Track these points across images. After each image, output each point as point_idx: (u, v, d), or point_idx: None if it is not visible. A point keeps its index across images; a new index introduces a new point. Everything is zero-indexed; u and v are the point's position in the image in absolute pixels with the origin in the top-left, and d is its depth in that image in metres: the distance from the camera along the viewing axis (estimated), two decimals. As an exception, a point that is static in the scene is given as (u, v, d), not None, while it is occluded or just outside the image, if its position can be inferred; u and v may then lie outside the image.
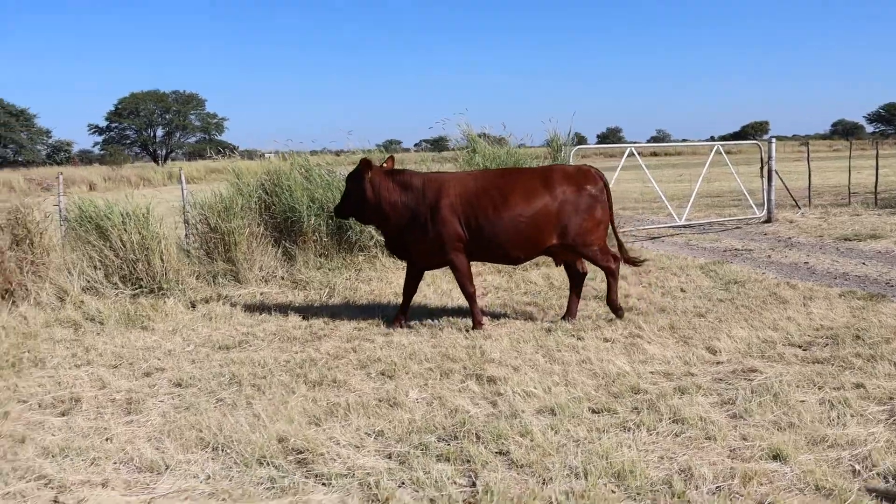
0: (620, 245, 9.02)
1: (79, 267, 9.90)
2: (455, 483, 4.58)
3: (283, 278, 10.73)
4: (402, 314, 8.73)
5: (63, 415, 6.04)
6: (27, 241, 9.64)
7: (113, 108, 79.53)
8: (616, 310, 8.64)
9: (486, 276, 11.28)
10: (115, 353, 7.74)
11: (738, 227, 17.04)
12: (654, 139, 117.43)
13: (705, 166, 18.60)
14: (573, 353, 7.23)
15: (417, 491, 4.47)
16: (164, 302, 9.54)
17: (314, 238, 11.01)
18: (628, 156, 16.41)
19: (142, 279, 10.04)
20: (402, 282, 10.82)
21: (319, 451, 5.05)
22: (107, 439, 5.44)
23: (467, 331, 8.27)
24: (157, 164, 73.28)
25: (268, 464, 4.89)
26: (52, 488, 4.67)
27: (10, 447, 5.35)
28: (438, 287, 10.59)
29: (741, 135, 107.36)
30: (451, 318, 8.82)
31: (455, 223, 8.31)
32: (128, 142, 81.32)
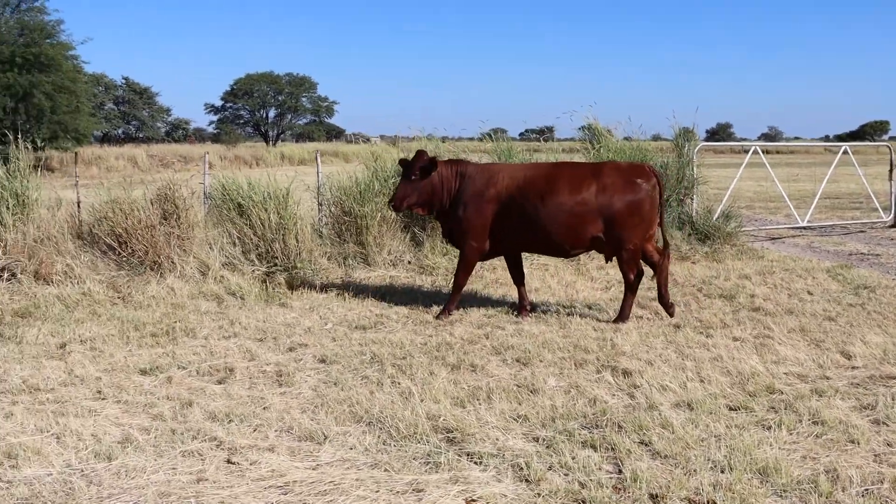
0: (666, 245, 9.05)
1: (219, 243, 10.39)
2: (602, 469, 4.75)
3: (410, 263, 11.04)
4: (522, 301, 8.97)
5: (220, 383, 6.42)
6: (175, 217, 10.17)
7: (228, 89, 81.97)
8: (623, 318, 8.58)
9: (609, 269, 11.35)
10: (258, 328, 8.14)
11: (861, 231, 16.63)
12: (764, 136, 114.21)
13: (831, 167, 18.16)
14: (704, 351, 7.28)
15: (567, 474, 4.65)
16: (299, 280, 9.94)
17: (442, 224, 11.26)
18: (751, 153, 16.20)
19: (277, 258, 10.47)
20: (524, 270, 11.04)
21: (468, 430, 5.27)
22: (264, 408, 5.78)
23: (597, 321, 8.42)
24: (268, 144, 75.06)
25: (420, 440, 5.14)
26: (224, 450, 5.01)
27: (179, 409, 5.75)
28: (562, 278, 10.72)
29: (859, 134, 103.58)
30: (578, 310, 8.97)
31: (488, 214, 8.63)
32: (241, 122, 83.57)
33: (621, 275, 8.80)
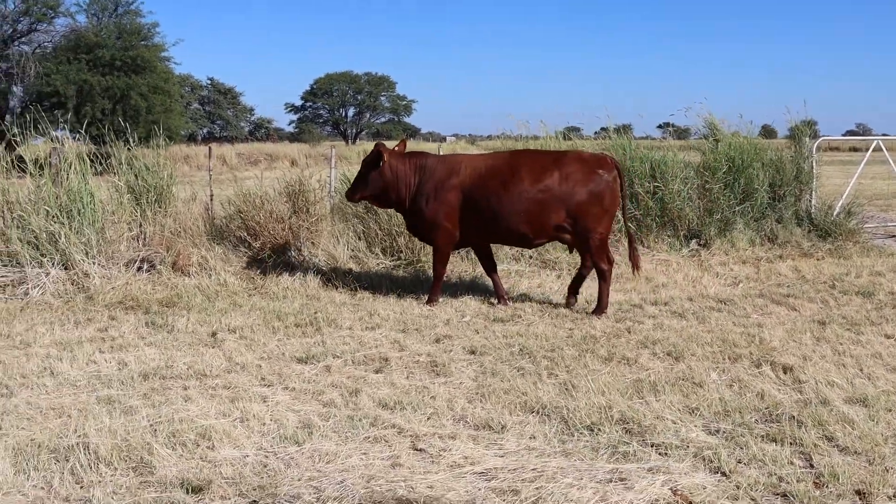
0: (631, 239, 9.21)
1: (346, 237, 10.51)
2: (793, 463, 4.66)
3: (531, 258, 11.01)
4: (498, 290, 9.14)
5: (378, 372, 6.49)
6: (304, 210, 10.32)
7: (308, 89, 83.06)
8: (599, 310, 8.55)
9: (732, 266, 11.17)
10: (397, 319, 8.20)
11: None
12: (850, 133, 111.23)
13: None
14: (859, 347, 7.11)
15: (760, 468, 4.57)
16: (424, 273, 10.00)
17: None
18: (871, 150, 15.79)
19: (401, 251, 10.55)
20: (646, 266, 10.93)
21: (644, 422, 5.23)
22: (432, 397, 5.82)
23: (735, 315, 8.29)
24: (347, 142, 75.82)
25: (599, 431, 5.11)
26: (407, 436, 5.06)
27: (347, 397, 5.82)
28: (687, 274, 10.58)
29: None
30: (711, 304, 8.84)
31: (454, 203, 8.73)
32: (321, 120, 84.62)
33: (593, 266, 8.81)
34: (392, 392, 5.91)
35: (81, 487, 4.35)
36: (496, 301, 9.00)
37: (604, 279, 8.68)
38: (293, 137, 77.94)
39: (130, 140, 10.81)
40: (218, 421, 5.23)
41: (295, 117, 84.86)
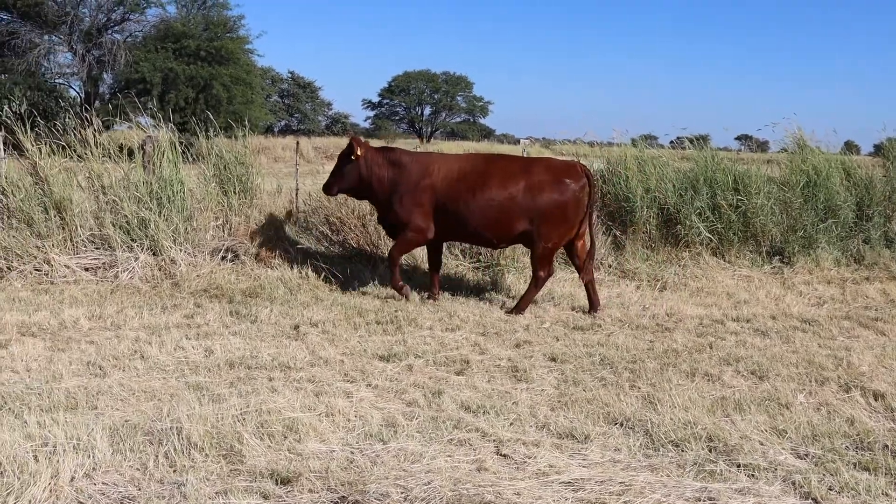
0: (592, 246, 9.23)
1: (426, 237, 10.55)
2: (887, 495, 4.54)
3: (611, 266, 10.93)
4: (434, 287, 9.35)
5: (459, 374, 6.51)
6: (387, 209, 10.39)
7: (386, 85, 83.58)
8: (519, 310, 8.73)
9: (816, 285, 10.92)
10: (477, 322, 8.22)
11: None
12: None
13: None
14: (955, 377, 6.88)
15: (853, 498, 4.46)
16: (506, 277, 10.00)
17: (644, 229, 11.11)
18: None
19: (481, 254, 10.56)
20: (728, 281, 10.77)
21: (730, 441, 5.14)
22: (514, 403, 5.81)
23: (821, 337, 8.10)
24: (422, 140, 76.19)
25: (684, 447, 5.05)
26: (490, 441, 5.07)
27: (430, 397, 5.85)
28: (769, 291, 10.37)
29: None
30: (796, 325, 8.66)
31: (426, 203, 8.89)
32: (396, 118, 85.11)
33: (532, 270, 9.06)
34: (474, 395, 5.93)
35: (174, 471, 4.46)
36: (427, 296, 9.26)
37: (535, 286, 8.91)
38: (368, 133, 78.55)
39: (211, 130, 11.03)
40: (304, 414, 5.30)
41: (371, 113, 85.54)
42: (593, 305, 9.01)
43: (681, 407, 5.75)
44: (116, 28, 39.88)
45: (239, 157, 10.43)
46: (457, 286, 9.68)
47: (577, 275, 10.41)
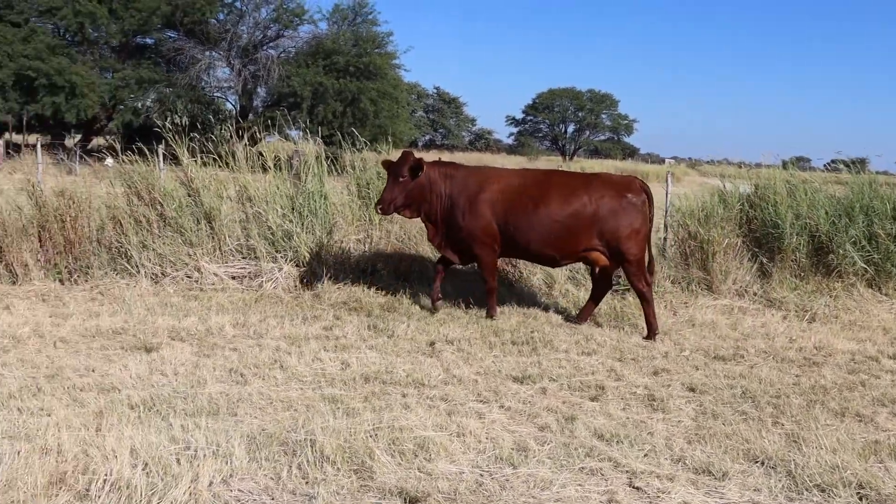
0: (651, 262, 9.07)
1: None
2: None
3: (756, 294, 10.51)
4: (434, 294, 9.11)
5: (594, 400, 6.38)
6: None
7: (531, 103, 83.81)
8: (651, 332, 8.60)
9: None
10: (614, 347, 8.05)
11: None
12: None
13: None
14: None
15: None
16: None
17: (793, 257, 10.64)
18: None
19: (619, 276, 10.34)
20: (884, 315, 10.18)
21: (883, 489, 4.83)
22: (649, 433, 5.65)
23: None
24: (564, 158, 75.88)
25: (830, 493, 4.77)
26: (622, 472, 4.93)
27: (563, 423, 5.76)
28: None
29: None
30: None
31: (489, 217, 8.72)
32: (539, 135, 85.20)
33: (633, 288, 9.07)
34: (608, 423, 5.79)
35: (307, 483, 4.54)
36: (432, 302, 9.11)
37: (645, 300, 8.76)
38: (510, 150, 78.87)
39: (356, 143, 11.25)
40: (436, 433, 5.30)
41: (515, 130, 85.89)
42: (580, 318, 9.10)
43: (828, 449, 5.44)
44: (271, 44, 41.48)
45: (381, 172, 10.59)
46: (597, 309, 9.50)
47: (720, 301, 10.12)
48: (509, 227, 8.76)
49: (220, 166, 10.72)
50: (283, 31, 41.10)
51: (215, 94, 43.42)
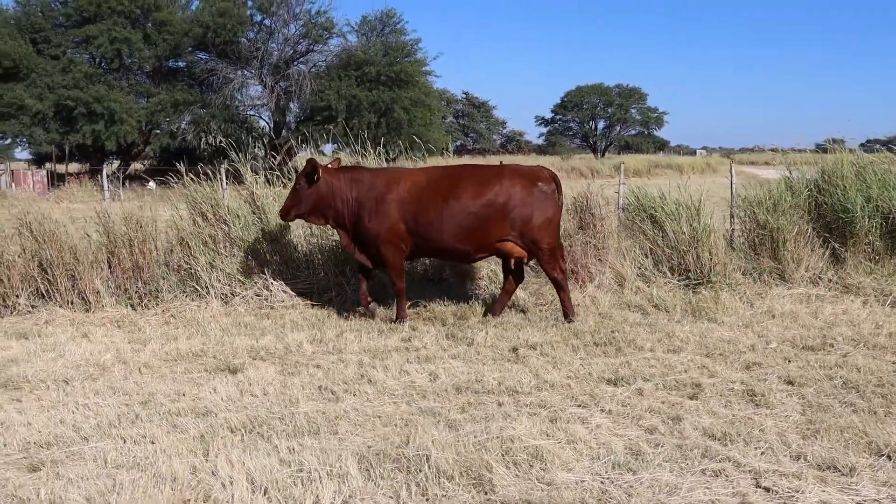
0: (561, 249, 9.09)
1: (632, 253, 10.30)
2: None
3: (830, 281, 10.27)
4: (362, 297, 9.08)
5: (692, 398, 6.22)
6: (591, 226, 10.22)
7: (559, 101, 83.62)
8: (568, 315, 8.78)
9: None
10: (698, 343, 7.86)
11: None
12: None
13: None
14: None
15: None
16: (719, 295, 9.57)
17: (866, 241, 10.40)
18: None
19: (689, 270, 10.18)
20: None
21: None
22: (760, 430, 5.49)
23: None
24: (596, 155, 75.51)
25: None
26: (745, 472, 4.78)
27: (671, 424, 5.61)
28: None
29: None
30: None
31: (395, 217, 8.61)
32: (570, 133, 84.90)
33: (547, 276, 9.05)
34: (716, 422, 5.64)
35: (427, 500, 4.44)
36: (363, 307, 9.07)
37: (560, 288, 8.85)
38: (540, 150, 78.60)
39: (392, 152, 11.19)
40: (545, 441, 5.19)
41: (545, 130, 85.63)
42: (494, 311, 9.04)
43: (950, 437, 5.26)
44: (301, 59, 41.64)
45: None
46: (670, 305, 9.32)
47: (794, 290, 9.92)
48: (420, 226, 8.64)
49: (283, 183, 10.70)
50: (313, 45, 41.24)
51: (249, 113, 43.68)
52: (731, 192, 11.28)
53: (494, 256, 9.22)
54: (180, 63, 42.77)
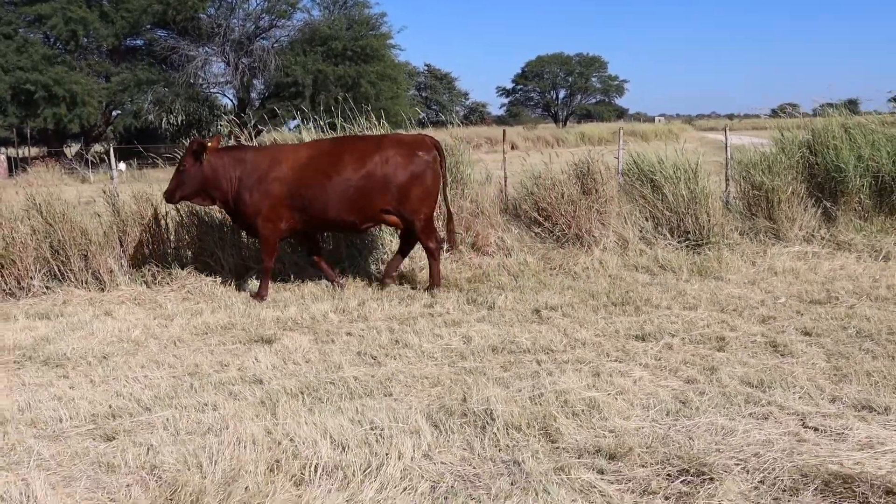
0: (450, 218, 9.31)
1: (633, 217, 10.58)
2: None
3: (823, 238, 10.65)
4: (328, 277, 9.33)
5: (721, 350, 6.52)
6: (594, 191, 10.47)
7: (520, 72, 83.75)
8: (433, 284, 8.98)
9: None
10: (711, 300, 8.16)
11: None
12: None
13: None
14: None
15: None
16: (722, 254, 9.90)
17: (856, 200, 10.80)
18: None
19: (689, 232, 10.49)
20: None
21: None
22: (792, 377, 5.77)
23: None
24: (557, 124, 75.90)
25: None
26: (790, 414, 5.07)
27: (708, 374, 5.90)
28: None
29: None
30: None
31: (277, 193, 8.73)
32: (531, 103, 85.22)
33: (421, 245, 9.16)
34: (749, 370, 5.93)
35: (499, 450, 4.66)
36: (331, 283, 9.25)
37: (433, 257, 9.00)
38: (500, 121, 78.68)
39: (356, 127, 11.30)
40: (597, 394, 5.43)
41: (506, 101, 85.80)
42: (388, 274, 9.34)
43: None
44: (264, 35, 41.30)
45: (450, 149, 10.68)
46: (676, 266, 9.62)
47: (790, 248, 10.26)
48: (304, 200, 8.75)
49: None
50: (276, 20, 40.93)
51: (213, 91, 43.32)
52: (726, 156, 11.61)
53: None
54: (139, 42, 42.19)
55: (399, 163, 8.79)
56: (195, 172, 8.84)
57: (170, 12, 38.10)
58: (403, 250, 9.41)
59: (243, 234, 9.80)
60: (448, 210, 9.40)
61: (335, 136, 10.73)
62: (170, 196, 9.05)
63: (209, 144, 8.97)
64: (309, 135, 11.18)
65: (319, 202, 8.74)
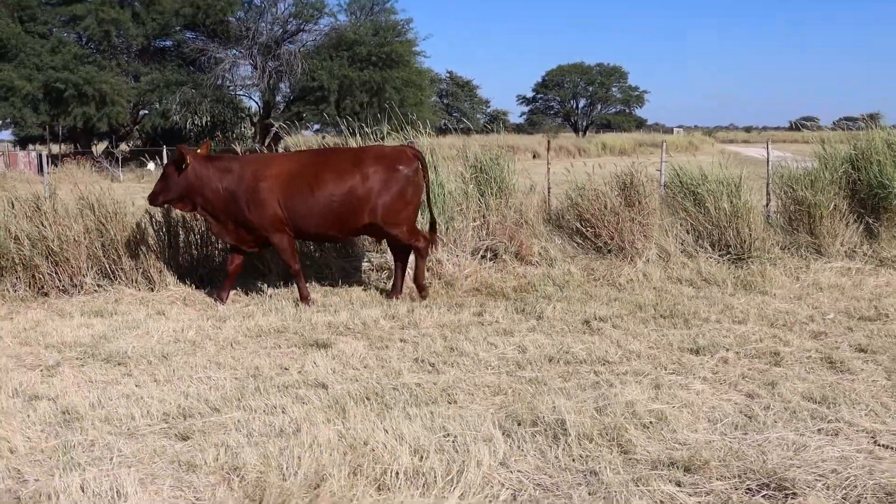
0: (433, 224, 9.37)
1: (675, 230, 10.62)
2: None
3: (866, 254, 10.67)
4: (225, 292, 9.15)
5: (777, 365, 6.53)
6: (637, 203, 10.52)
7: (540, 81, 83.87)
8: (420, 289, 9.19)
9: None
10: (758, 314, 8.19)
11: None
12: None
13: None
14: None
15: None
16: (765, 269, 9.92)
17: (903, 216, 10.83)
18: None
19: (730, 246, 10.53)
20: None
21: None
22: (855, 393, 5.79)
23: None
24: (577, 134, 75.93)
25: None
26: (858, 431, 5.10)
27: (769, 389, 5.93)
28: None
29: None
30: None
31: (274, 204, 8.77)
32: (551, 112, 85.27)
33: (410, 247, 9.18)
34: (810, 386, 5.95)
35: (573, 459, 4.72)
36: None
37: (420, 255, 9.16)
38: (519, 129, 78.76)
39: (380, 132, 11.39)
40: (663, 406, 5.48)
41: (526, 109, 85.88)
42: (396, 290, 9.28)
43: None
44: (291, 39, 41.55)
45: (495, 158, 10.76)
46: (720, 280, 9.65)
47: (833, 264, 10.27)
48: (289, 211, 8.80)
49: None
50: (303, 25, 41.20)
51: (239, 93, 43.63)
52: (768, 170, 11.65)
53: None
54: (168, 43, 42.53)
55: (380, 179, 8.85)
56: (178, 179, 8.87)
57: (200, 15, 38.44)
58: (401, 260, 9.37)
59: (218, 241, 9.96)
60: (432, 217, 9.42)
61: (318, 147, 10.76)
62: (153, 199, 9.11)
63: (198, 151, 9.09)
64: (332, 140, 11.28)
65: (300, 215, 8.83)
